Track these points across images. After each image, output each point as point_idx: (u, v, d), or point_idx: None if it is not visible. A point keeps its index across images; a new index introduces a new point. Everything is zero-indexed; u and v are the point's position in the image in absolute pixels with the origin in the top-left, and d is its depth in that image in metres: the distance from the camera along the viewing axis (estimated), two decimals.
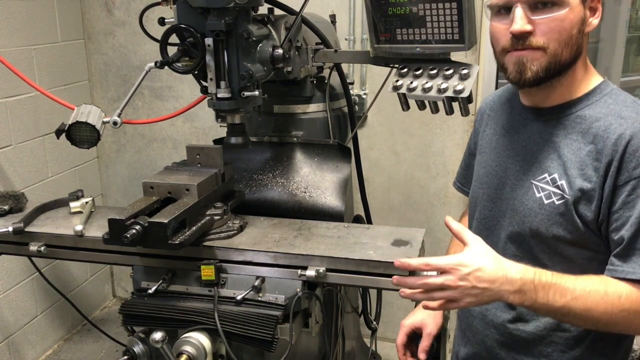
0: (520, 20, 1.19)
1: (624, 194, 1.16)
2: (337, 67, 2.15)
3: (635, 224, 1.15)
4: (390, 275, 1.63)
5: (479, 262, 1.14)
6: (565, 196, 1.23)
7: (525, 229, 1.32)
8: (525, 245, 1.33)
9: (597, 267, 1.23)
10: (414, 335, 1.63)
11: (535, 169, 1.31)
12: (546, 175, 1.27)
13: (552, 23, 1.19)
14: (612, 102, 1.24)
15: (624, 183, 1.16)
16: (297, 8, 1.92)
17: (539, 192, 1.28)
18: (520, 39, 1.21)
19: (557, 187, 1.25)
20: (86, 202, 2.02)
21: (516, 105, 1.41)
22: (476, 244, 1.18)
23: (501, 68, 1.30)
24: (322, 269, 1.62)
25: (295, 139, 2.10)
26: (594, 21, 1.24)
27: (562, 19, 1.18)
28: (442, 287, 1.16)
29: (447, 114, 1.75)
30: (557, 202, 1.25)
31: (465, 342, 1.55)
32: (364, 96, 2.96)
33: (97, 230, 1.83)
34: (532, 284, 1.15)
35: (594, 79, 1.30)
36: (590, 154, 1.21)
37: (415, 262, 1.20)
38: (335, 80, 2.20)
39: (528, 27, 1.19)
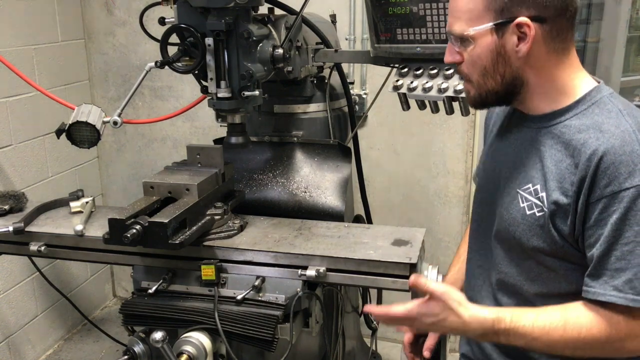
0: (447, 52, 1.26)
1: (596, 212, 1.15)
2: (338, 67, 2.15)
3: (605, 243, 1.14)
4: (390, 275, 1.63)
5: (441, 316, 1.23)
6: (544, 209, 1.22)
7: (510, 237, 1.31)
8: (512, 252, 1.33)
9: (581, 277, 1.21)
10: (418, 334, 1.63)
11: (522, 178, 1.29)
12: (530, 185, 1.26)
13: (468, 57, 1.22)
14: (599, 112, 1.20)
15: (596, 200, 1.14)
16: (297, 8, 1.92)
17: (522, 202, 1.27)
18: (455, 67, 1.28)
19: (538, 198, 1.24)
20: (86, 202, 2.02)
21: (514, 109, 1.39)
22: (438, 298, 1.23)
23: None
24: (322, 269, 1.62)
25: (295, 139, 2.10)
26: (524, 47, 1.18)
27: (471, 53, 1.21)
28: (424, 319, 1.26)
29: (447, 113, 1.76)
30: (537, 214, 1.24)
31: (468, 343, 1.54)
32: (364, 96, 2.96)
33: (98, 230, 1.83)
34: (492, 330, 1.21)
35: (585, 85, 1.25)
36: (569, 168, 1.19)
37: (379, 311, 1.31)
38: (335, 80, 2.20)
39: (450, 59, 1.26)
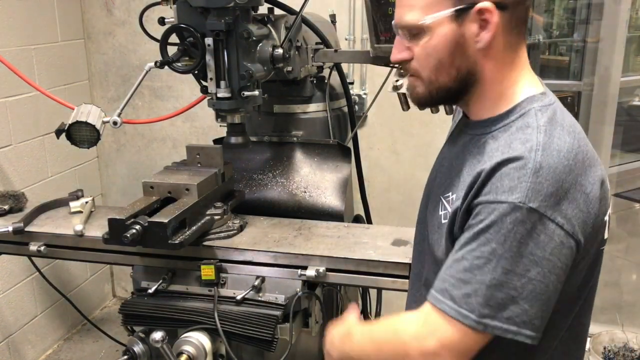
0: (394, 49, 1.15)
1: (471, 217, 1.05)
2: (337, 67, 2.15)
3: (462, 249, 1.04)
4: (390, 275, 1.63)
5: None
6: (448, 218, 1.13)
7: (429, 245, 1.21)
8: (435, 263, 1.20)
9: None
10: None
11: (446, 184, 1.19)
12: (450, 193, 1.15)
13: (419, 50, 1.11)
14: (520, 125, 1.08)
15: (475, 205, 1.04)
16: (297, 8, 1.92)
17: (441, 210, 1.17)
18: (401, 65, 1.17)
19: (451, 207, 1.14)
20: (86, 202, 2.02)
21: (464, 114, 1.29)
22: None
23: None
24: (322, 269, 1.62)
25: (295, 139, 2.10)
26: (486, 35, 1.07)
27: (424, 46, 1.10)
28: None
29: (447, 113, 1.76)
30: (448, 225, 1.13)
31: None
32: (364, 96, 2.96)
33: (97, 230, 1.83)
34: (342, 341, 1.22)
35: (524, 91, 1.13)
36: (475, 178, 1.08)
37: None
38: (335, 80, 2.20)
39: (399, 57, 1.14)
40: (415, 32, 1.10)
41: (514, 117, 1.10)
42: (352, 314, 1.28)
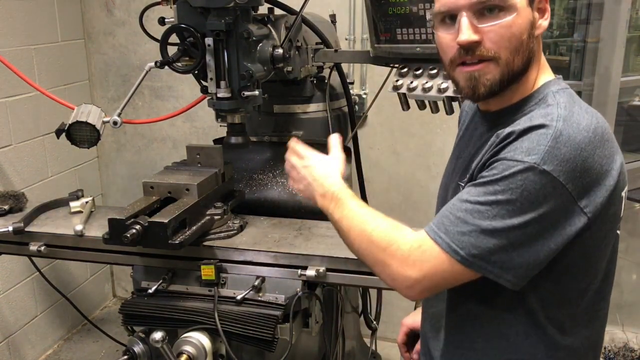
0: (466, 30, 1.09)
1: (484, 171, 1.09)
2: (337, 67, 2.15)
3: (468, 193, 1.08)
4: None
5: (316, 163, 1.34)
6: None
7: None
8: None
9: (503, 290, 1.10)
10: (415, 335, 1.63)
11: (463, 170, 1.23)
12: (468, 175, 1.18)
13: (501, 30, 1.08)
14: (543, 106, 1.12)
15: (492, 162, 1.08)
16: (297, 8, 1.92)
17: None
18: (469, 50, 1.11)
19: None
20: (86, 202, 2.02)
21: (477, 108, 1.33)
22: (331, 154, 1.37)
23: (452, 81, 1.21)
24: (322, 269, 1.62)
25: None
26: (544, 23, 1.12)
27: (510, 25, 1.08)
28: (292, 167, 1.39)
29: (447, 113, 1.76)
30: None
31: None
32: (364, 96, 2.96)
33: (97, 230, 1.83)
34: (332, 195, 1.26)
35: (539, 80, 1.18)
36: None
37: (291, 145, 1.43)
38: (335, 80, 2.20)
39: (475, 37, 1.09)
40: (498, 10, 1.08)
41: (533, 102, 1.15)
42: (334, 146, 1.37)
